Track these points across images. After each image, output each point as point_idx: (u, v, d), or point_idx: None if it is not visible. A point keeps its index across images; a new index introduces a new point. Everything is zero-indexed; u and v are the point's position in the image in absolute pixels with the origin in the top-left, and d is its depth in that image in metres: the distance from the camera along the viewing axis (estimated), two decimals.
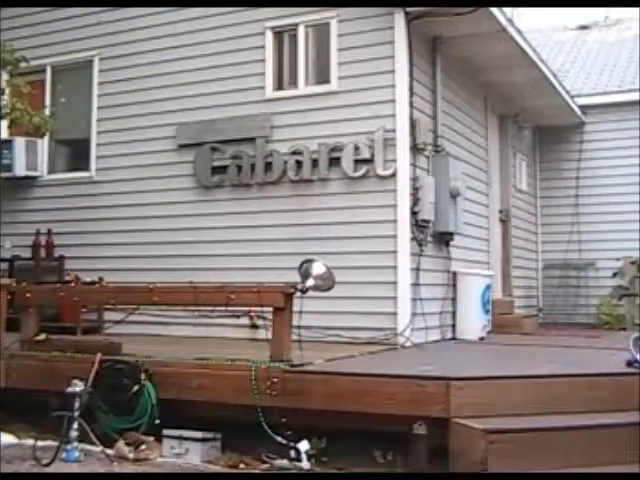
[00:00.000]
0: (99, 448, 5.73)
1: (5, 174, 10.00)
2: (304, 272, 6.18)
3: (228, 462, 5.73)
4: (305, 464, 5.45)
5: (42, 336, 7.08)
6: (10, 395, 6.60)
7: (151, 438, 5.89)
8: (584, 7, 17.55)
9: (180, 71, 9.35)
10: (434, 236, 8.77)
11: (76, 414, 5.70)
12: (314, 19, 8.76)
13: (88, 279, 9.00)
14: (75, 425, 5.68)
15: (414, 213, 8.23)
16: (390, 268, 8.09)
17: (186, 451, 5.82)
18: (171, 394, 6.04)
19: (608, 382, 5.74)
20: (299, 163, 8.58)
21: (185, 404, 6.02)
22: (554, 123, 13.07)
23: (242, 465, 5.68)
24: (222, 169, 9.00)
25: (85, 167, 10.06)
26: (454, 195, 8.77)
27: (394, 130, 8.19)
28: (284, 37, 8.99)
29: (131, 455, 5.73)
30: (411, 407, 5.35)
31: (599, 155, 12.97)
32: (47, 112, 9.47)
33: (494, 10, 8.48)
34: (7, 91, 8.96)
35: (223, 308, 6.86)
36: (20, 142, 9.98)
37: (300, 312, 6.15)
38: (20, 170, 10.01)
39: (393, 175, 8.17)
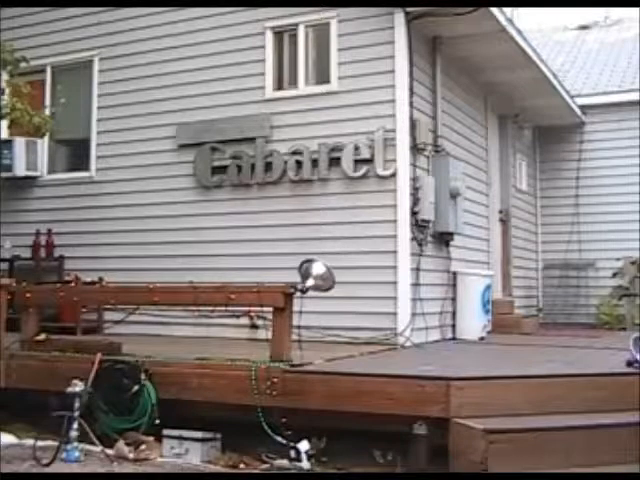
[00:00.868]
0: (99, 448, 5.73)
1: (5, 174, 10.00)
2: (304, 272, 6.19)
3: (228, 462, 5.74)
4: (305, 464, 5.45)
5: (42, 336, 7.08)
6: (10, 395, 6.60)
7: (151, 438, 5.89)
8: (584, 7, 17.56)
9: (180, 71, 9.35)
10: (434, 236, 8.77)
11: (76, 414, 5.70)
12: (314, 19, 8.76)
13: (88, 279, 9.00)
14: (75, 425, 5.68)
15: (414, 213, 8.23)
16: (390, 268, 8.09)
17: (186, 451, 5.82)
18: (171, 394, 6.04)
19: (608, 382, 5.74)
20: (299, 163, 8.58)
21: (185, 404, 6.03)
22: (554, 123, 13.07)
23: (242, 465, 5.68)
24: (222, 169, 9.00)
25: (85, 167, 10.06)
26: (454, 195, 8.77)
27: (394, 130, 8.19)
28: (284, 37, 8.99)
29: (131, 455, 5.73)
30: (411, 407, 5.35)
31: (599, 155, 12.96)
32: (47, 112, 9.48)
33: (494, 10, 8.48)
34: (7, 91, 8.96)
35: (223, 308, 6.86)
36: (20, 142, 9.98)
37: (300, 312, 6.15)
38: (20, 170, 10.01)
39: (393, 175, 8.17)
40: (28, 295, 7.05)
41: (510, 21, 9.12)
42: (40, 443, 5.75)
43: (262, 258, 8.61)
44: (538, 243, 13.44)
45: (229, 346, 7.42)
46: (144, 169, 9.52)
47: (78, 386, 5.80)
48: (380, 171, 8.21)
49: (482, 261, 10.48)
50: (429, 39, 8.94)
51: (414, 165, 8.33)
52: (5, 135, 10.15)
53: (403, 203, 8.14)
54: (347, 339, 7.92)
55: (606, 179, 12.75)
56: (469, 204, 9.69)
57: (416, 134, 8.33)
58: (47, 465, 5.49)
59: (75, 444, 5.65)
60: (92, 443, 5.74)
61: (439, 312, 8.82)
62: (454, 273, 9.22)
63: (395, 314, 8.02)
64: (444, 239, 8.97)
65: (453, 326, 9.15)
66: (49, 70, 10.35)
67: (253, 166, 8.80)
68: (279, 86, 8.97)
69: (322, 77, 8.74)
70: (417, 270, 8.22)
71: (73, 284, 8.86)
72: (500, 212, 11.72)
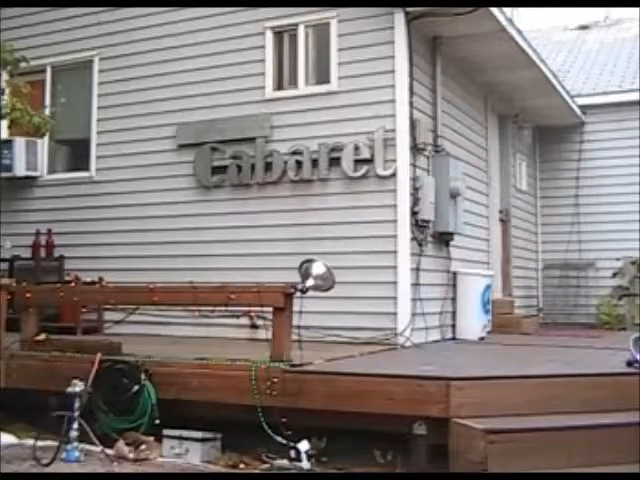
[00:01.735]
0: (99, 448, 5.73)
1: (5, 174, 10.00)
2: (304, 272, 6.18)
3: (228, 462, 5.74)
4: (305, 464, 5.45)
5: (42, 336, 7.08)
6: (10, 395, 6.60)
7: (151, 438, 5.89)
8: (584, 7, 17.55)
9: (180, 71, 9.35)
10: (434, 236, 8.77)
11: (76, 414, 5.70)
12: (314, 19, 8.76)
13: (88, 279, 9.00)
14: (75, 425, 5.68)
15: (414, 213, 8.23)
16: (390, 268, 8.08)
17: (186, 451, 5.82)
18: (171, 394, 6.04)
19: (608, 382, 5.74)
20: (299, 163, 8.58)
21: (185, 404, 6.03)
22: (554, 123, 13.07)
23: (242, 465, 5.68)
24: (222, 169, 9.00)
25: (85, 167, 10.06)
26: (454, 195, 8.77)
27: (394, 130, 8.19)
28: (284, 37, 8.99)
29: (131, 455, 5.74)
30: (411, 407, 5.35)
31: (599, 155, 12.97)
32: (47, 112, 9.47)
33: (494, 10, 8.48)
34: (7, 91, 8.96)
35: (223, 308, 6.86)
36: (20, 142, 9.98)
37: (300, 312, 6.15)
38: (20, 170, 10.01)
39: (393, 175, 8.17)
40: (28, 295, 7.05)
41: (510, 21, 9.12)
42: (40, 443, 5.75)
43: (262, 258, 8.61)
44: (538, 243, 13.44)
45: (229, 346, 7.42)
46: (144, 169, 9.52)
47: (78, 386, 5.80)
48: (380, 171, 8.21)
49: (482, 261, 10.48)
50: (429, 39, 8.94)
51: (414, 165, 8.33)
52: (5, 135, 10.15)
53: (403, 203, 8.14)
54: (347, 339, 7.93)
55: (606, 179, 12.75)
56: (469, 204, 9.69)
57: (416, 134, 8.33)
58: (47, 465, 5.49)
59: (75, 444, 5.66)
60: (92, 443, 5.74)
61: (439, 312, 8.82)
62: (454, 273, 9.22)
63: (395, 314, 8.02)
64: (444, 239, 8.97)
65: (453, 326, 9.15)
66: (49, 70, 10.35)
67: (253, 166, 8.80)
68: (279, 86, 8.97)
69: (322, 77, 8.74)
70: (417, 270, 8.22)
71: (73, 284, 8.86)
72: (500, 212, 11.72)
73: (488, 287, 9.40)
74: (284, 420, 5.63)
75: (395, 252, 8.09)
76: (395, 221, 8.14)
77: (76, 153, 10.44)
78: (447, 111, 9.33)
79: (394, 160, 8.18)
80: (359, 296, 8.07)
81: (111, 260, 9.43)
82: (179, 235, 9.19)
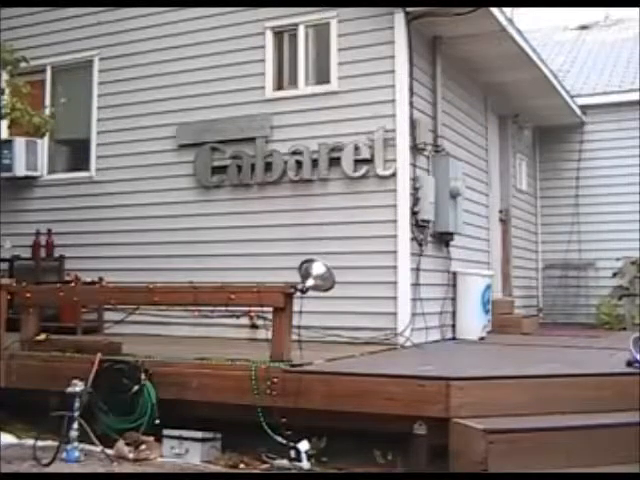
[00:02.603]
0: (99, 448, 5.73)
1: (5, 174, 10.00)
2: (304, 272, 6.18)
3: (228, 462, 5.74)
4: (305, 464, 5.45)
5: (42, 336, 7.08)
6: (10, 395, 6.60)
7: (151, 438, 5.89)
8: (584, 7, 17.54)
9: (180, 71, 9.35)
10: (434, 236, 8.77)
11: (76, 414, 5.70)
12: (314, 19, 8.76)
13: (88, 279, 9.00)
14: (75, 425, 5.68)
15: (414, 213, 8.23)
16: (390, 268, 8.08)
17: (186, 451, 5.82)
18: (171, 394, 6.04)
19: (608, 382, 5.74)
20: (299, 163, 8.58)
21: (185, 404, 6.02)
22: (554, 123, 13.08)
23: (242, 465, 5.68)
24: (222, 169, 9.00)
25: (85, 167, 10.06)
26: (454, 195, 8.77)
27: (394, 130, 8.19)
28: (284, 37, 8.99)
29: (131, 455, 5.73)
30: (411, 407, 5.35)
31: (599, 155, 12.97)
32: (47, 112, 9.46)
33: (494, 10, 8.48)
34: (7, 91, 8.95)
35: (223, 308, 6.86)
36: (20, 142, 9.98)
37: (300, 312, 6.15)
38: (20, 170, 10.01)
39: (393, 175, 8.17)
40: (28, 295, 7.04)
41: (510, 21, 9.12)
42: (40, 443, 5.75)
43: (262, 258, 8.61)
44: (538, 243, 13.44)
45: (229, 346, 7.42)
46: (144, 169, 9.51)
47: (78, 386, 5.80)
48: (380, 171, 8.21)
49: (482, 261, 10.48)
50: (429, 39, 8.94)
51: (414, 165, 8.33)
52: (5, 135, 10.15)
53: (403, 203, 8.14)
54: (347, 339, 7.93)
55: (606, 179, 12.75)
56: (469, 204, 9.69)
57: (416, 134, 8.33)
58: (47, 465, 5.49)
59: (75, 444, 5.66)
60: (92, 443, 5.75)
61: (439, 312, 8.82)
62: (454, 273, 9.22)
63: (395, 314, 8.02)
64: (444, 239, 8.96)
65: (453, 326, 9.15)
66: (49, 70, 10.35)
67: (253, 166, 8.80)
68: (279, 86, 8.97)
69: (322, 77, 8.74)
70: (417, 270, 8.22)
71: (73, 284, 8.86)
72: (500, 212, 11.72)
73: (488, 287, 9.40)
74: (284, 420, 5.63)
75: (395, 252, 8.09)
76: (395, 221, 8.14)
77: (76, 153, 10.44)
78: (447, 111, 9.32)
79: (394, 160, 8.17)
80: (359, 296, 8.07)
81: (111, 260, 9.43)
82: (179, 235, 9.19)
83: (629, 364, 6.12)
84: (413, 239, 8.22)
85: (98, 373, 6.08)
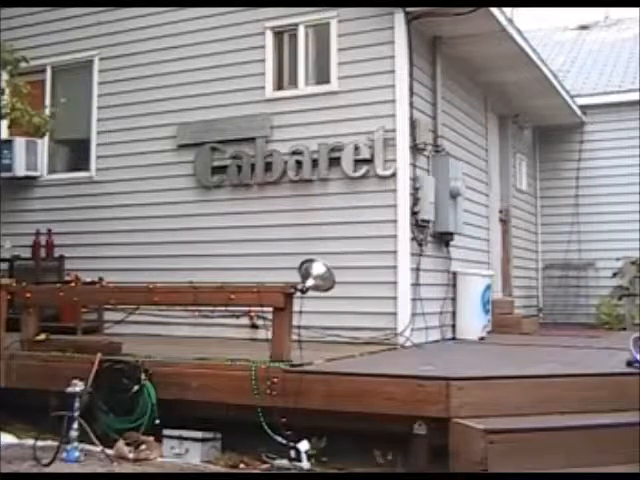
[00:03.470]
0: (99, 448, 5.73)
1: (5, 174, 9.99)
2: (304, 272, 6.18)
3: (228, 462, 5.74)
4: (305, 464, 5.46)
5: (42, 336, 7.08)
6: (10, 395, 6.60)
7: (151, 438, 5.89)
8: (584, 7, 17.54)
9: (180, 71, 9.35)
10: (434, 236, 8.77)
11: (76, 414, 5.71)
12: (314, 19, 8.76)
13: (88, 279, 8.99)
14: (75, 425, 5.69)
15: (414, 213, 8.23)
16: (390, 268, 8.08)
17: (186, 451, 5.82)
18: (171, 394, 6.04)
19: (608, 382, 5.74)
20: (299, 163, 8.58)
21: (185, 404, 6.03)
22: (554, 123, 13.08)
23: (242, 465, 5.68)
24: (222, 169, 9.00)
25: (85, 167, 10.06)
26: (454, 195, 8.77)
27: (394, 130, 8.19)
28: (284, 37, 8.99)
29: (131, 455, 5.74)
30: (411, 407, 5.36)
31: (599, 155, 12.98)
32: (47, 112, 9.46)
33: (494, 10, 8.48)
34: (7, 91, 8.95)
35: (223, 308, 6.86)
36: (20, 142, 9.97)
37: (300, 312, 6.15)
38: (20, 170, 10.01)
39: (393, 175, 8.17)
40: (28, 295, 7.05)
41: (510, 21, 9.12)
42: (40, 443, 5.76)
43: (262, 258, 8.61)
44: (538, 243, 13.44)
45: (229, 346, 7.42)
46: (144, 169, 9.51)
47: (78, 386, 5.80)
48: (380, 171, 8.21)
49: (482, 261, 10.48)
50: (429, 39, 8.94)
51: (414, 165, 8.33)
52: (5, 135, 10.15)
53: (403, 203, 8.14)
54: (347, 339, 7.93)
55: (606, 179, 12.75)
56: (469, 204, 9.69)
57: (416, 134, 8.33)
58: (47, 465, 5.49)
59: (75, 444, 5.66)
60: (92, 443, 5.75)
61: (439, 312, 8.82)
62: (454, 273, 9.22)
63: (395, 314, 8.02)
64: (444, 239, 8.96)
65: (453, 326, 9.15)
66: (49, 70, 10.35)
67: (253, 166, 8.80)
68: (279, 86, 8.97)
69: (322, 77, 8.74)
70: (417, 270, 8.22)
71: (73, 284, 8.86)
72: (500, 212, 11.72)
73: (488, 287, 9.40)
74: (284, 420, 5.63)
75: (395, 252, 8.09)
76: (395, 221, 8.14)
77: (76, 153, 10.44)
78: (447, 111, 9.32)
79: (394, 160, 8.17)
80: (359, 296, 8.07)
81: (111, 260, 9.43)
82: (179, 235, 9.19)
83: (629, 364, 6.12)
84: (413, 239, 8.22)
85: (98, 373, 6.09)
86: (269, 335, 6.23)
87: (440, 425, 5.23)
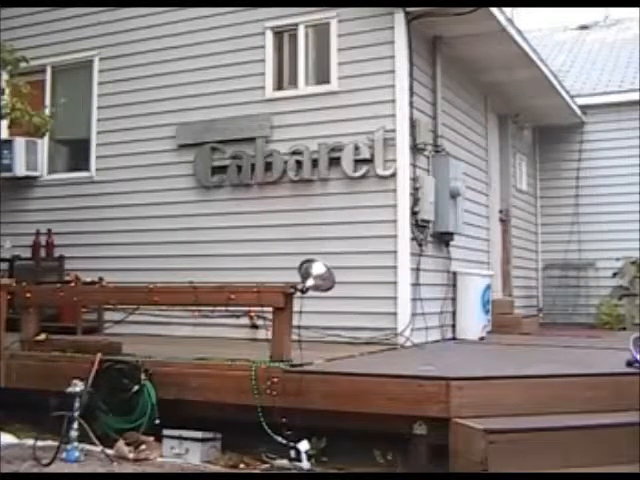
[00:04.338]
0: (99, 448, 5.73)
1: (5, 174, 9.99)
2: (304, 272, 6.18)
3: (228, 462, 5.74)
4: (305, 464, 5.46)
5: (42, 336, 7.08)
6: (10, 395, 6.60)
7: (151, 438, 5.88)
8: (584, 7, 17.56)
9: (180, 71, 9.35)
10: (434, 236, 8.77)
11: (76, 414, 5.70)
12: (314, 19, 8.76)
13: (88, 279, 9.00)
14: (75, 425, 5.68)
15: (414, 213, 8.23)
16: (390, 268, 8.09)
17: (186, 451, 5.82)
18: (171, 394, 6.04)
19: (608, 382, 5.74)
20: (299, 163, 8.58)
21: (185, 404, 6.03)
22: (554, 123, 13.08)
23: (242, 465, 5.68)
24: (222, 169, 9.00)
25: (85, 167, 10.06)
26: (454, 195, 8.77)
27: (394, 130, 8.19)
28: (284, 37, 8.99)
29: (131, 455, 5.73)
30: (411, 407, 5.35)
31: (599, 155, 12.97)
32: (47, 112, 9.47)
33: (494, 10, 8.48)
34: (7, 91, 8.95)
35: (223, 308, 6.85)
36: (20, 142, 9.97)
37: (300, 312, 6.15)
38: (20, 170, 10.01)
39: (393, 175, 8.17)
40: (28, 295, 7.04)
41: (510, 21, 9.12)
42: (40, 443, 5.75)
43: (262, 258, 8.61)
44: (538, 243, 13.44)
45: (229, 346, 7.42)
46: (144, 169, 9.51)
47: (78, 386, 5.80)
48: (380, 171, 8.21)
49: (482, 261, 10.48)
50: (429, 39, 8.94)
51: (414, 165, 8.33)
52: (5, 135, 10.15)
53: (403, 203, 8.14)
54: (347, 339, 7.93)
55: (606, 179, 12.75)
56: (469, 204, 9.69)
57: (416, 134, 8.33)
58: (47, 465, 5.48)
59: (75, 444, 5.65)
60: (92, 443, 5.75)
61: (439, 312, 8.82)
62: (454, 273, 9.22)
63: (395, 314, 8.02)
64: (444, 239, 8.96)
65: (453, 326, 9.15)
66: (49, 70, 10.35)
67: (253, 166, 8.80)
68: (279, 86, 8.97)
69: (322, 77, 8.74)
70: (417, 270, 8.22)
71: (73, 284, 8.86)
72: (500, 212, 11.73)
73: (488, 287, 9.40)
74: (284, 420, 5.63)
75: (395, 252, 8.09)
76: (395, 221, 8.14)
77: (76, 153, 10.44)
78: (447, 111, 9.32)
79: (394, 160, 8.18)
80: (359, 296, 8.07)
81: (111, 260, 9.43)
82: (179, 235, 9.19)
83: (629, 364, 6.12)
84: (413, 239, 8.22)
85: (98, 373, 6.08)
86: (269, 335, 6.23)
87: (440, 425, 5.23)
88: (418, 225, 8.32)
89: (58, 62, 10.28)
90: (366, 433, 5.54)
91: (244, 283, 7.01)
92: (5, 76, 9.19)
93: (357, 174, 8.31)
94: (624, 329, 11.31)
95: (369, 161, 8.26)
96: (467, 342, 8.84)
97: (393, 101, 8.23)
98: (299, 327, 6.24)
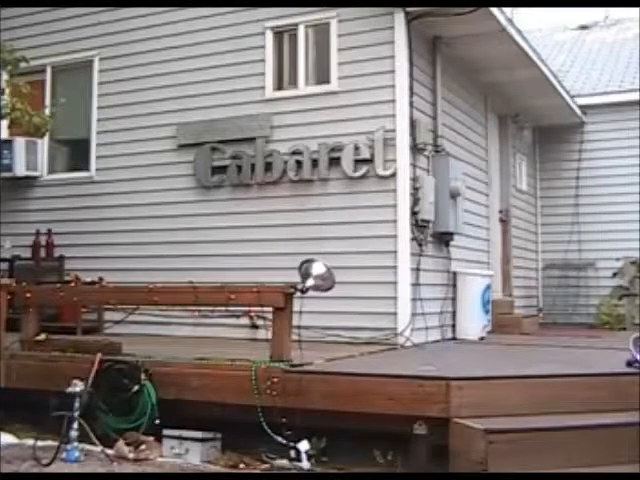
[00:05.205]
0: (99, 448, 5.73)
1: (5, 174, 10.00)
2: (304, 272, 6.18)
3: (228, 462, 5.73)
4: (305, 464, 5.45)
5: (42, 336, 7.08)
6: (10, 395, 6.60)
7: (151, 438, 5.88)
8: (584, 7, 17.55)
9: (180, 71, 9.35)
10: (434, 236, 8.77)
11: (76, 414, 5.70)
12: (314, 19, 8.76)
13: (88, 279, 9.00)
14: (75, 425, 5.68)
15: (414, 213, 8.24)
16: (390, 268, 8.09)
17: (186, 451, 5.82)
18: (171, 394, 6.04)
19: (608, 382, 5.74)
20: (299, 163, 8.58)
21: (185, 404, 6.02)
22: (554, 123, 13.08)
23: (242, 465, 5.68)
24: (222, 169, 9.00)
25: (85, 167, 10.06)
26: (454, 195, 8.77)
27: (394, 130, 8.19)
28: (284, 37, 8.99)
29: (131, 455, 5.73)
30: (411, 407, 5.35)
31: (599, 155, 12.97)
32: (47, 112, 9.47)
33: (494, 10, 8.48)
34: (7, 91, 8.96)
35: (223, 308, 6.85)
36: (20, 142, 9.98)
37: (300, 312, 6.15)
38: (20, 170, 10.01)
39: (393, 175, 8.17)
40: (28, 295, 7.04)
41: (510, 21, 9.12)
42: (40, 443, 5.75)
43: (262, 258, 8.61)
44: (538, 243, 13.44)
45: (229, 346, 7.41)
46: (144, 169, 9.52)
47: (78, 386, 5.79)
48: (380, 171, 8.21)
49: (482, 261, 10.48)
50: (429, 39, 8.94)
51: (414, 165, 8.34)
52: (5, 135, 10.15)
53: (403, 203, 8.14)
54: (347, 339, 7.93)
55: (606, 179, 12.75)
56: (469, 204, 9.69)
57: (416, 134, 8.33)
58: (47, 465, 5.48)
59: (75, 444, 5.65)
60: (92, 443, 5.74)
61: (439, 312, 8.82)
62: (454, 273, 9.22)
63: (395, 314, 8.02)
64: (444, 239, 8.96)
65: (453, 326, 9.15)
66: (49, 70, 10.35)
67: (253, 166, 8.80)
68: (279, 86, 8.97)
69: (322, 77, 8.75)
70: (417, 270, 8.23)
71: (73, 284, 8.86)
72: (500, 212, 11.73)
73: (488, 287, 9.40)
74: (284, 420, 5.62)
75: (395, 252, 8.09)
76: (395, 221, 8.14)
77: (76, 153, 10.44)
78: (447, 111, 9.33)
79: (394, 160, 8.18)
80: (359, 296, 8.07)
81: (111, 260, 9.43)
82: (179, 235, 9.19)
83: (629, 364, 6.12)
84: (413, 239, 8.22)
85: (98, 373, 6.08)
86: (269, 335, 6.22)
87: (440, 425, 5.23)
88: (418, 225, 8.32)
89: (58, 62, 10.28)
90: (366, 433, 5.54)
91: (244, 283, 7.02)
92: (5, 76, 9.18)
93: (357, 174, 8.31)
94: (624, 329, 11.31)
95: (369, 161, 8.26)
96: (467, 342, 8.84)
97: (393, 101, 8.23)
98: (299, 327, 6.23)
